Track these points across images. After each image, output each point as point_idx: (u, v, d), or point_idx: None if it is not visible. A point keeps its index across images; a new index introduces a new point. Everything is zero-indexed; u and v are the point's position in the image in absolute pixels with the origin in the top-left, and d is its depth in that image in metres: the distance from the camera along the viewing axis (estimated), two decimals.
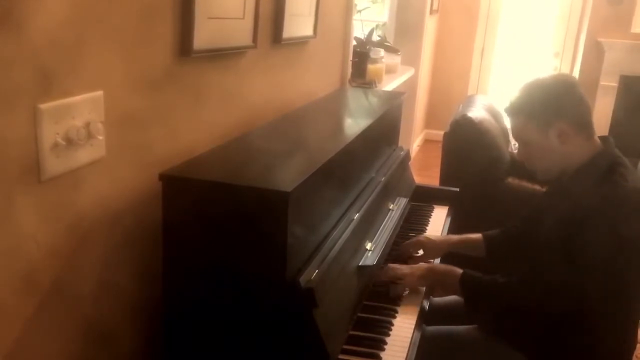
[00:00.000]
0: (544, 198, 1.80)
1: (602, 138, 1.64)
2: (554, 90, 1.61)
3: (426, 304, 1.58)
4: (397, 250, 1.86)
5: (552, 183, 1.73)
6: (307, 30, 2.07)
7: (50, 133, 0.96)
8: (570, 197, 1.55)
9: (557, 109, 1.57)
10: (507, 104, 1.67)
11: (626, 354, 1.62)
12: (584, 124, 1.59)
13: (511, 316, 1.64)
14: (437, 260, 1.90)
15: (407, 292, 1.61)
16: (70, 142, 0.99)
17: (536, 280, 1.55)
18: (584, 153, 1.58)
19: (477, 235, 1.93)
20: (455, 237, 1.96)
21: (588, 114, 1.61)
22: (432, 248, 1.89)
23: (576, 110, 1.59)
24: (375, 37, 3.53)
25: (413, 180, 2.38)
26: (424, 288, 1.63)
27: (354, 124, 1.94)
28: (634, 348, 1.66)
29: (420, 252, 1.88)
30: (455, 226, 2.18)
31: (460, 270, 1.62)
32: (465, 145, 2.92)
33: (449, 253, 1.93)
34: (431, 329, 1.65)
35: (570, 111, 1.58)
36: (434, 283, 1.65)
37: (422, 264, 1.71)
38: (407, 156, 2.35)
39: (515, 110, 1.64)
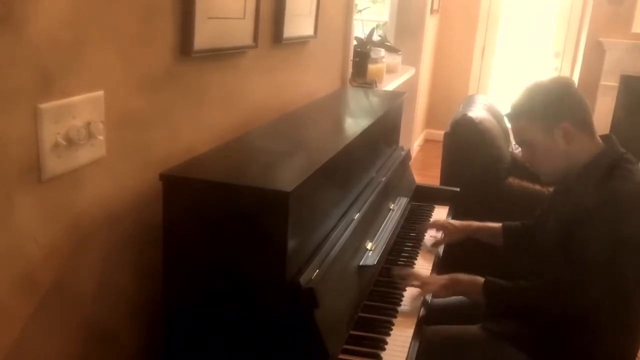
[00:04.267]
0: (551, 198, 1.80)
1: (604, 137, 1.64)
2: (555, 92, 1.62)
3: (427, 304, 1.58)
4: (415, 231, 1.96)
5: (558, 184, 1.74)
6: (308, 30, 2.06)
7: (51, 133, 0.96)
8: (573, 197, 1.56)
9: (561, 110, 1.59)
10: (508, 108, 1.68)
11: (628, 354, 1.62)
12: (586, 124, 1.60)
13: (513, 315, 1.64)
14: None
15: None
16: (70, 142, 0.99)
17: (542, 281, 1.55)
18: (588, 152, 1.59)
19: (497, 225, 1.97)
20: (475, 223, 2.00)
21: (588, 113, 1.63)
22: (454, 232, 1.95)
23: (578, 110, 1.61)
24: (375, 37, 3.53)
25: (413, 180, 2.38)
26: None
27: (354, 124, 1.94)
28: (637, 348, 1.65)
29: (440, 234, 1.96)
30: None
31: (482, 279, 1.61)
32: (466, 145, 2.92)
33: (469, 238, 1.98)
34: (431, 328, 1.64)
35: (573, 111, 1.60)
36: (457, 293, 1.66)
37: (443, 276, 1.68)
38: (408, 156, 2.35)
39: (518, 114, 1.65)
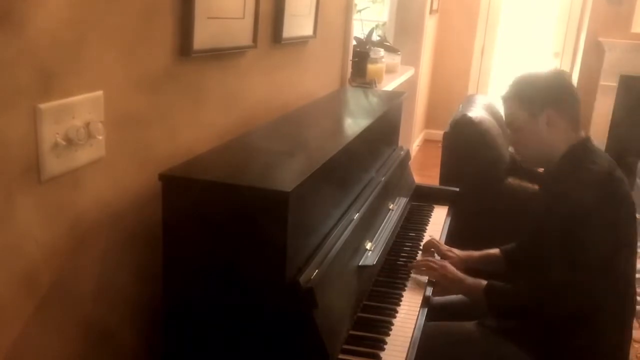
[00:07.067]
0: (539, 196, 1.84)
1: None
2: (545, 80, 1.71)
3: (426, 304, 1.58)
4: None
5: (542, 178, 1.80)
6: (307, 30, 2.07)
7: (51, 133, 0.96)
8: (556, 185, 1.63)
9: (547, 97, 1.67)
10: (502, 92, 1.77)
11: (624, 352, 1.63)
12: (571, 114, 1.68)
13: (513, 315, 1.65)
14: None
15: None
16: (70, 142, 0.99)
17: (542, 282, 1.57)
18: (568, 142, 1.66)
19: (495, 251, 1.96)
20: (476, 253, 1.99)
21: (577, 106, 1.70)
22: (458, 264, 1.87)
23: (565, 100, 1.68)
24: (375, 37, 3.53)
25: (413, 180, 2.38)
26: (423, 289, 1.63)
27: (354, 124, 1.94)
28: (630, 346, 1.66)
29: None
30: (455, 226, 2.18)
31: (484, 282, 1.65)
32: (465, 145, 2.92)
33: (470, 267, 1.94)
34: (431, 325, 1.65)
35: (560, 100, 1.67)
36: (459, 292, 1.74)
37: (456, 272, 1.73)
38: (407, 156, 2.35)
39: (508, 98, 1.73)
